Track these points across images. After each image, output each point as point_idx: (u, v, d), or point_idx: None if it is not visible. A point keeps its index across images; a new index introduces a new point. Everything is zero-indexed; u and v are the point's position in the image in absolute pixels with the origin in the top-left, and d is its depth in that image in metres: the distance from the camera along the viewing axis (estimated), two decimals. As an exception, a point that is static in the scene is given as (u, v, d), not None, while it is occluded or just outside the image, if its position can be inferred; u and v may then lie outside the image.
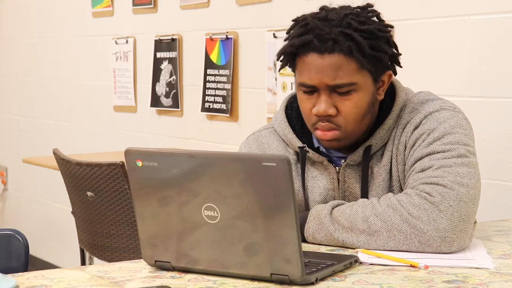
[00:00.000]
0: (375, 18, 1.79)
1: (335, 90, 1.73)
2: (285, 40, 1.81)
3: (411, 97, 1.85)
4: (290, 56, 1.78)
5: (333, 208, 1.70)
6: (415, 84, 2.72)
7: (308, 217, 1.71)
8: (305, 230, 1.71)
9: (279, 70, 1.86)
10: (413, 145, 1.76)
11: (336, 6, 1.81)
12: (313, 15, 1.77)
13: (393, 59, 1.81)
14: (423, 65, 2.74)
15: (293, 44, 1.75)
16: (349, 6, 1.80)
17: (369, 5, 1.81)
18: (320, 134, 1.78)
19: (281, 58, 1.80)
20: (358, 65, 1.72)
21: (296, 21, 1.80)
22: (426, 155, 1.72)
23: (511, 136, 2.50)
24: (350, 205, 1.69)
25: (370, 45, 1.72)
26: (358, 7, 1.80)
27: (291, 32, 1.79)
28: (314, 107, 1.75)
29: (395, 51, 1.81)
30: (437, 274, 1.49)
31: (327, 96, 1.74)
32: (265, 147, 1.91)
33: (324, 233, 1.69)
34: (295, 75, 1.80)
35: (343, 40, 1.70)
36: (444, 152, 1.71)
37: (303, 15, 1.80)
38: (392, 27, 1.82)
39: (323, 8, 1.81)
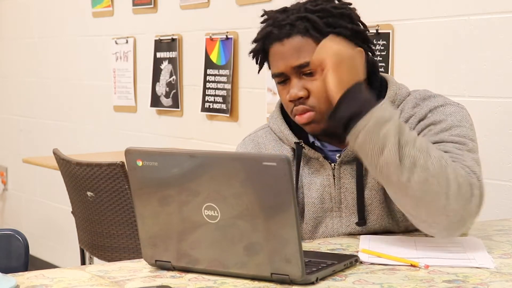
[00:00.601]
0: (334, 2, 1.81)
1: (302, 72, 1.77)
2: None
3: (406, 93, 1.83)
4: (261, 54, 1.84)
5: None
6: (415, 84, 2.72)
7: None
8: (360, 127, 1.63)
9: (258, 72, 1.88)
10: (419, 134, 1.75)
11: None
12: (273, 10, 1.84)
13: (358, 35, 1.79)
14: (423, 65, 2.74)
15: (256, 39, 1.83)
16: None
17: None
18: (298, 118, 1.80)
19: (255, 58, 1.86)
20: (318, 43, 1.73)
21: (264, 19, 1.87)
22: (436, 142, 1.72)
23: (511, 136, 2.50)
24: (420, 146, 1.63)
25: (326, 22, 1.76)
26: None
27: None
28: (287, 94, 1.79)
29: (361, 27, 1.80)
30: (438, 273, 1.49)
31: (296, 80, 1.78)
32: (261, 147, 1.92)
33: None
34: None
35: (299, 22, 1.76)
36: (453, 143, 1.72)
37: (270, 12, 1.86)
38: (349, 4, 1.82)
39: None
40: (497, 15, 2.52)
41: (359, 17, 1.83)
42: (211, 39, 3.71)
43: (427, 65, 2.74)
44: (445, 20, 2.67)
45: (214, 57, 3.70)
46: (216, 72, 3.69)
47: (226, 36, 3.62)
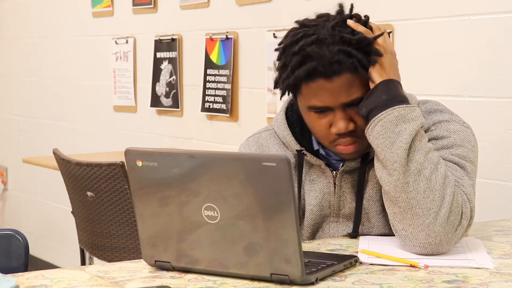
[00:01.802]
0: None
1: (349, 105, 1.73)
2: (278, 69, 1.77)
3: (416, 105, 1.83)
4: (293, 86, 1.75)
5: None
6: (415, 85, 2.72)
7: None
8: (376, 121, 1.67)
9: (280, 99, 1.85)
10: None
11: (314, 17, 1.78)
12: (305, 39, 1.71)
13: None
14: (423, 65, 2.74)
15: (298, 75, 1.71)
16: (328, 14, 1.77)
17: (341, 5, 1.80)
18: (342, 149, 1.77)
19: (283, 89, 1.77)
20: (365, 78, 1.71)
21: (285, 47, 1.75)
22: None
23: (511, 136, 2.50)
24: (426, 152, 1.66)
25: (368, 55, 1.71)
26: (337, 12, 1.77)
27: (285, 60, 1.74)
28: (333, 127, 1.74)
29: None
30: (437, 274, 1.49)
31: (343, 113, 1.73)
32: (264, 149, 1.90)
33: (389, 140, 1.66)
34: (297, 99, 1.78)
35: (345, 58, 1.68)
36: (452, 162, 1.72)
37: (292, 40, 1.74)
38: (367, 18, 1.79)
39: (303, 24, 1.77)
40: (497, 15, 2.52)
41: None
42: (211, 39, 3.71)
43: (427, 65, 2.74)
44: (445, 20, 2.67)
45: (214, 57, 3.70)
46: (216, 72, 3.70)
47: (226, 36, 3.62)
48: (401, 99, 1.69)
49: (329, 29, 1.71)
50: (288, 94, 1.80)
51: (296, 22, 1.79)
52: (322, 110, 1.74)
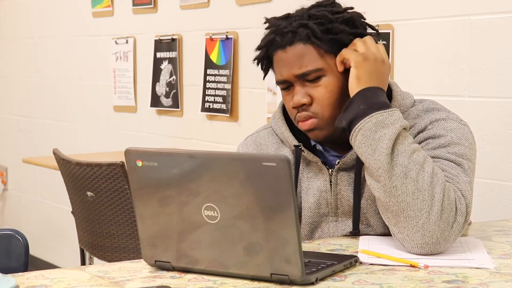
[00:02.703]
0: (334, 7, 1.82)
1: (305, 79, 1.77)
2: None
3: (410, 103, 1.83)
4: (266, 61, 1.84)
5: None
6: (415, 85, 2.72)
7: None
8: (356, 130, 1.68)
9: (263, 78, 1.90)
10: None
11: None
12: (276, 17, 1.85)
13: None
14: (423, 65, 2.74)
15: (260, 46, 1.83)
16: (315, 3, 1.84)
17: None
18: (301, 125, 1.80)
19: (259, 65, 1.86)
20: (320, 50, 1.76)
21: (267, 22, 1.87)
22: (432, 158, 1.72)
23: (511, 136, 2.50)
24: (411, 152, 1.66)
25: (327, 28, 1.76)
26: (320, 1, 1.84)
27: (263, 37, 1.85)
28: (291, 101, 1.80)
29: (365, 32, 1.81)
30: (437, 274, 1.49)
31: (300, 87, 1.78)
32: (262, 148, 1.91)
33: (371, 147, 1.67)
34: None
35: (301, 29, 1.76)
36: (449, 161, 1.72)
37: (274, 17, 1.86)
38: (351, 8, 1.82)
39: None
40: (497, 15, 2.52)
41: (363, 22, 1.82)
42: (211, 39, 3.71)
43: (427, 65, 2.74)
44: (445, 20, 2.67)
45: (214, 57, 3.70)
46: (216, 72, 3.70)
47: (226, 36, 3.63)
48: (379, 106, 1.69)
49: (303, 10, 1.81)
50: (266, 70, 1.86)
51: None
52: (286, 86, 1.81)
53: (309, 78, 1.77)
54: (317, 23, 1.76)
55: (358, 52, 1.75)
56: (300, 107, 1.78)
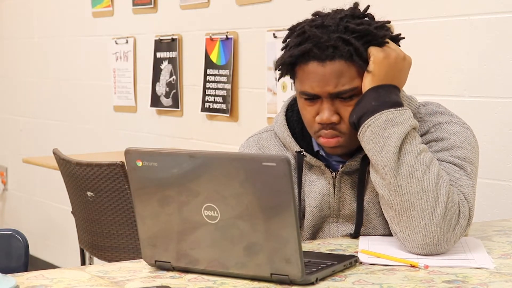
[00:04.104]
0: (367, 18, 1.78)
1: (337, 96, 1.72)
2: (282, 49, 1.79)
3: (415, 107, 1.83)
4: (289, 66, 1.76)
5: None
6: (415, 85, 2.72)
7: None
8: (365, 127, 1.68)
9: (278, 80, 1.85)
10: None
11: (330, 11, 1.79)
12: (309, 23, 1.75)
13: None
14: (423, 65, 2.74)
15: (292, 54, 1.73)
16: (342, 9, 1.78)
17: (356, 4, 1.81)
18: (323, 141, 1.76)
19: (280, 67, 1.78)
20: (359, 69, 1.71)
21: (292, 29, 1.78)
22: None
23: (511, 136, 2.50)
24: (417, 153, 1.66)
25: (369, 42, 1.72)
26: (350, 8, 1.79)
27: (288, 41, 1.77)
28: (317, 115, 1.74)
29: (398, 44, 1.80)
30: (437, 274, 1.49)
31: (329, 104, 1.73)
32: (264, 150, 1.90)
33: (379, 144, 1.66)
34: (294, 83, 1.79)
35: (342, 45, 1.69)
36: (452, 164, 1.72)
37: (299, 23, 1.78)
38: (388, 22, 1.81)
39: (317, 14, 1.79)
40: (497, 15, 2.52)
41: (393, 33, 1.81)
42: (211, 39, 3.71)
43: (427, 65, 2.74)
44: (445, 20, 2.67)
45: (214, 57, 3.70)
46: (216, 72, 3.70)
47: (226, 36, 3.62)
48: (391, 104, 1.69)
49: (336, 19, 1.73)
50: (285, 76, 1.79)
51: (313, 13, 1.80)
52: (311, 97, 1.74)
53: (344, 96, 1.72)
54: (358, 38, 1.70)
55: (381, 48, 1.72)
56: (328, 124, 1.74)
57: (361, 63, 1.70)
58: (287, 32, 1.80)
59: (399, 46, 1.80)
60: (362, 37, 1.71)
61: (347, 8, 1.79)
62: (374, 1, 2.89)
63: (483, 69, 2.56)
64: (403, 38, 1.83)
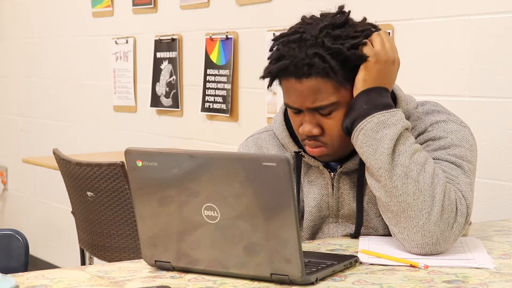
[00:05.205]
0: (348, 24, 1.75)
1: (316, 110, 1.73)
2: (268, 58, 1.78)
3: (413, 107, 1.82)
4: (272, 79, 1.77)
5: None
6: (415, 85, 2.72)
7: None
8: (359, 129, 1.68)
9: (268, 88, 1.86)
10: None
11: (319, 15, 1.78)
12: (289, 38, 1.73)
13: None
14: (423, 65, 2.74)
15: (272, 70, 1.74)
16: (328, 14, 1.77)
17: (341, 7, 1.78)
18: (308, 150, 1.79)
19: (265, 78, 1.79)
20: (337, 84, 1.71)
21: (275, 40, 1.77)
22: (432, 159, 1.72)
23: (511, 136, 2.50)
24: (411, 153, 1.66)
25: (344, 59, 1.69)
26: (333, 14, 1.76)
27: (271, 53, 1.77)
28: (301, 127, 1.76)
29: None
30: (437, 274, 1.49)
31: (310, 117, 1.74)
32: (263, 150, 1.90)
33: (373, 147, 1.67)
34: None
35: (319, 62, 1.68)
36: (449, 162, 1.72)
37: (283, 34, 1.76)
38: (374, 26, 1.78)
39: (302, 20, 1.78)
40: (497, 15, 2.52)
41: (377, 27, 1.79)
42: (211, 39, 3.71)
43: (427, 65, 2.74)
44: (445, 20, 2.67)
45: (214, 57, 3.70)
46: (216, 72, 3.70)
47: (226, 36, 3.62)
48: (382, 106, 1.69)
49: (316, 30, 1.71)
50: (272, 85, 1.79)
51: (302, 17, 1.80)
52: (294, 111, 1.76)
53: (323, 112, 1.73)
54: (333, 54, 1.68)
55: (372, 49, 1.71)
56: (310, 136, 1.75)
57: (337, 78, 1.69)
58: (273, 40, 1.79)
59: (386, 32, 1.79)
60: (337, 55, 1.69)
61: (332, 12, 1.77)
62: (374, 1, 2.90)
63: (483, 69, 2.56)
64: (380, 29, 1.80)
